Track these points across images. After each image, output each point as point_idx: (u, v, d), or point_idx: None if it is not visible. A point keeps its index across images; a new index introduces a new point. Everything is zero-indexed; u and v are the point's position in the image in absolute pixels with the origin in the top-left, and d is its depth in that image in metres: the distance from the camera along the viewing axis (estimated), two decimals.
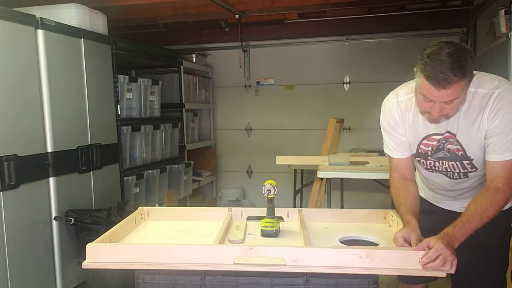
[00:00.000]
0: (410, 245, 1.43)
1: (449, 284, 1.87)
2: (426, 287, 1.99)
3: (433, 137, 1.62)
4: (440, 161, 1.66)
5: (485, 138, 1.53)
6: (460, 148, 1.59)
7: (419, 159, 1.72)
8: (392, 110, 1.68)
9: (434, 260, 1.31)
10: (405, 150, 1.73)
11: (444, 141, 1.61)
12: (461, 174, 1.66)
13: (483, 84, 1.51)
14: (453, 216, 1.79)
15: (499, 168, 1.50)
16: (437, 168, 1.69)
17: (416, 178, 1.94)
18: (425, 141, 1.65)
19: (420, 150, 1.68)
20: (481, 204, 1.46)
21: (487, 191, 1.50)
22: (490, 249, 1.73)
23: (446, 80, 1.35)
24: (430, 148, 1.65)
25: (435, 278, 1.56)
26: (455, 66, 1.35)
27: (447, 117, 1.49)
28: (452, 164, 1.64)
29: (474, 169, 1.63)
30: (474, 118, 1.52)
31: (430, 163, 1.69)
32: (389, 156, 1.79)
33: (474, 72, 1.43)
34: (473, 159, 1.59)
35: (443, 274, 1.33)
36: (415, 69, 1.49)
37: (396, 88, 1.73)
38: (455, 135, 1.58)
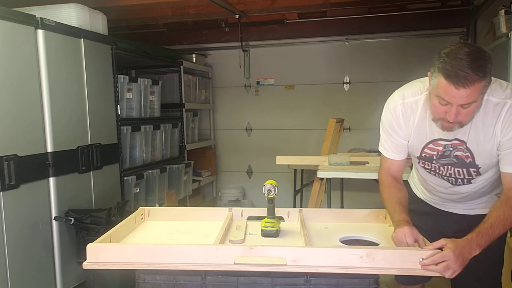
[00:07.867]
0: (414, 245, 1.43)
1: (449, 285, 1.87)
2: (423, 287, 1.99)
3: (439, 142, 1.59)
4: (445, 167, 1.63)
5: (497, 149, 1.51)
6: (469, 155, 1.56)
7: (423, 161, 1.69)
8: (397, 111, 1.63)
9: (436, 264, 1.30)
10: (401, 152, 1.69)
11: (451, 148, 1.57)
12: (465, 180, 1.64)
13: (494, 92, 1.47)
14: (452, 217, 1.78)
15: None
16: (441, 173, 1.66)
17: (414, 180, 1.93)
18: (430, 145, 1.61)
19: (424, 154, 1.65)
20: (504, 212, 1.45)
21: (508, 199, 1.48)
22: (487, 253, 1.72)
23: (466, 78, 1.31)
24: (435, 153, 1.62)
25: (430, 277, 1.56)
26: (475, 64, 1.31)
27: (461, 125, 1.45)
28: (458, 171, 1.62)
29: (479, 176, 1.61)
30: (487, 127, 1.49)
31: (435, 166, 1.66)
32: (382, 155, 1.75)
33: None
34: (480, 167, 1.57)
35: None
36: (429, 73, 1.44)
37: (402, 88, 1.66)
38: (465, 143, 1.54)
